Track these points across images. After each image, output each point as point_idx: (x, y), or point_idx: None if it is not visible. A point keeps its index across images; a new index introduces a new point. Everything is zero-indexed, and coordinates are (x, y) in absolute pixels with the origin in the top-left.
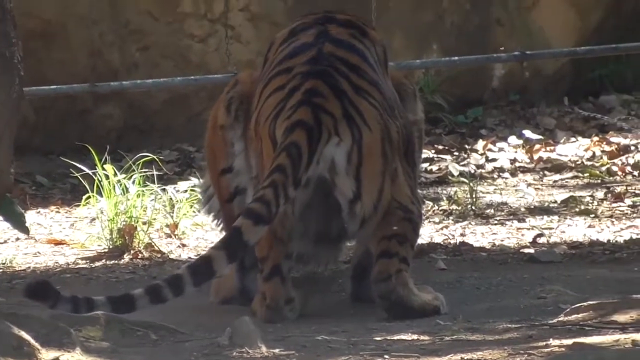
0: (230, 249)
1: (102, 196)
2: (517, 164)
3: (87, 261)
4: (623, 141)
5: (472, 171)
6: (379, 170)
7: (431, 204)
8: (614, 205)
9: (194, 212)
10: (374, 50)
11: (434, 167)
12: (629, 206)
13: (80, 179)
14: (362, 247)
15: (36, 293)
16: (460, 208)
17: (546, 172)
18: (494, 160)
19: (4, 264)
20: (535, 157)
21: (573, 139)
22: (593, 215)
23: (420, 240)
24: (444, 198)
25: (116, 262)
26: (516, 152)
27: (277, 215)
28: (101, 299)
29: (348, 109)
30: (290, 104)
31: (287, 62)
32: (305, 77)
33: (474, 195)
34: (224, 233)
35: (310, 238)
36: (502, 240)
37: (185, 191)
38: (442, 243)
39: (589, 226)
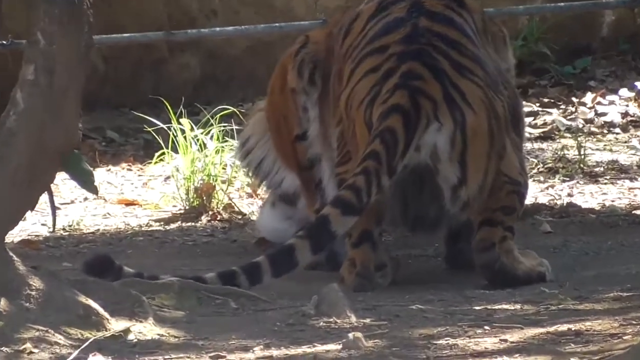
0: (315, 239)
1: (177, 153)
2: (629, 118)
3: (161, 223)
4: None
5: (580, 126)
6: (485, 151)
7: (535, 161)
8: None
9: None
10: (472, 21)
11: (539, 121)
12: None
13: (154, 134)
14: None
15: (96, 269)
16: (567, 166)
17: None
18: (603, 114)
19: (70, 226)
20: None
21: None
22: None
23: None
24: (550, 155)
25: (193, 224)
26: (627, 105)
27: (368, 205)
28: (170, 278)
29: (449, 90)
30: (387, 88)
31: (380, 40)
32: (402, 58)
33: (582, 152)
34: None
35: (405, 222)
36: (612, 201)
37: None
38: (547, 204)
39: None
